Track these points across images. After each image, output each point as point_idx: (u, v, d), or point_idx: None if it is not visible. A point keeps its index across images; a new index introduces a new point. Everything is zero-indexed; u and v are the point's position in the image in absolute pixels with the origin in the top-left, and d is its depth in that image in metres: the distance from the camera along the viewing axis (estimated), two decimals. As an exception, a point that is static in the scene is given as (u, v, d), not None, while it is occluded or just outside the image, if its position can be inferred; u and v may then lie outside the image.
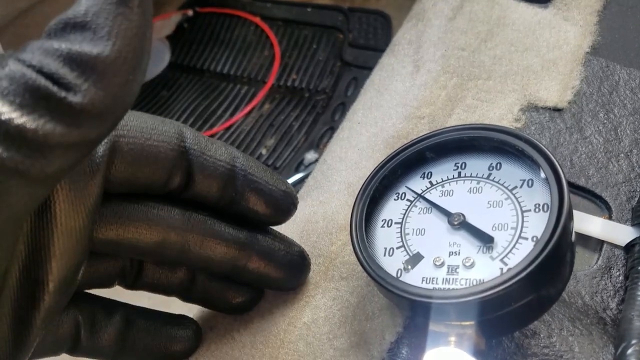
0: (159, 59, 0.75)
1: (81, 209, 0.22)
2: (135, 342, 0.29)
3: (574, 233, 0.26)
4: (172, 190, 0.27)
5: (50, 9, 0.63)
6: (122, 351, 0.29)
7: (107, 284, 0.29)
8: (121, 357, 0.29)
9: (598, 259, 0.33)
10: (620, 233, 0.33)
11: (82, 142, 0.19)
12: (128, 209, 0.26)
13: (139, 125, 0.25)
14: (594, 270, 0.32)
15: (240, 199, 0.28)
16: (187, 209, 0.28)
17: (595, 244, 0.34)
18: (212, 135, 0.67)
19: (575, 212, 0.34)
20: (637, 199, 0.35)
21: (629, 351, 0.27)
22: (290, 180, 0.61)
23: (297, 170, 0.64)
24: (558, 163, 0.26)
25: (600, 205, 0.35)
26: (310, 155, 0.65)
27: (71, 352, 0.28)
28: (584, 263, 0.33)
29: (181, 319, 0.31)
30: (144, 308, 0.30)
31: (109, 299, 0.29)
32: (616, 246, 0.33)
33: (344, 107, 0.67)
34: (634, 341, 0.28)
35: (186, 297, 0.31)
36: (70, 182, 0.22)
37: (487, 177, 0.29)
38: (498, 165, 0.29)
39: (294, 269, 0.31)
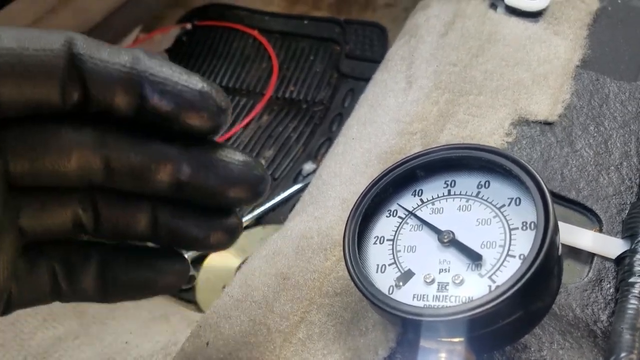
0: (159, 73, 0.76)
1: None
2: (117, 280, 0.27)
3: (560, 247, 0.27)
4: (73, 106, 0.24)
5: (49, 27, 0.64)
6: (106, 290, 0.27)
7: (67, 234, 0.26)
8: (110, 297, 0.27)
9: (589, 271, 0.33)
10: (610, 246, 0.34)
11: None
12: (32, 132, 0.24)
13: (14, 36, 0.22)
14: (585, 283, 0.33)
15: (150, 107, 0.24)
16: (99, 127, 0.25)
17: (586, 257, 0.34)
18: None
19: (566, 226, 0.35)
20: (627, 211, 0.35)
21: (617, 364, 0.27)
22: (289, 192, 0.62)
23: (295, 181, 0.65)
24: (544, 183, 0.27)
25: (591, 218, 0.36)
26: (308, 166, 0.66)
27: (55, 300, 0.27)
28: (575, 276, 0.34)
29: (170, 252, 0.29)
30: (127, 244, 0.28)
31: (83, 241, 0.27)
32: (607, 259, 0.33)
33: (341, 118, 0.67)
34: (622, 354, 0.28)
35: (155, 239, 0.28)
36: None
37: (476, 195, 0.29)
38: (487, 183, 0.29)
39: (245, 181, 0.26)
